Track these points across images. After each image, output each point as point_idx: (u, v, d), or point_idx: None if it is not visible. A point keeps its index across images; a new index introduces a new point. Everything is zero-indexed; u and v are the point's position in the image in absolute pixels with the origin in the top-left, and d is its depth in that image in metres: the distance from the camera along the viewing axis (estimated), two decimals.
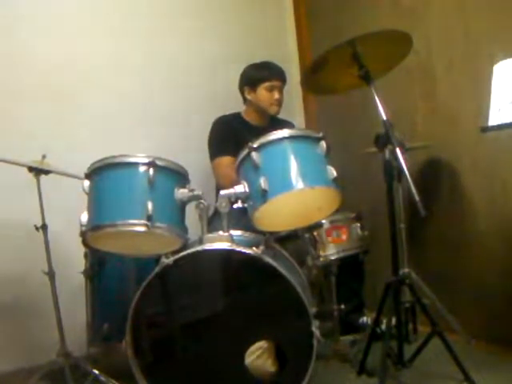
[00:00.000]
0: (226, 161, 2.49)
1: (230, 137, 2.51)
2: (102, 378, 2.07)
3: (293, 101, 3.22)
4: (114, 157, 1.82)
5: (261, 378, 1.82)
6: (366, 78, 1.88)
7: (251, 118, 2.68)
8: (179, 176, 1.90)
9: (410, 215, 2.32)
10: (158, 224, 1.76)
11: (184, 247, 1.87)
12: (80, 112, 2.70)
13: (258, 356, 1.81)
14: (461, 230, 2.43)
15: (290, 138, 1.82)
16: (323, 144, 1.82)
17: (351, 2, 2.99)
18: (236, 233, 1.98)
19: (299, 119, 3.34)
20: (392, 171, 1.91)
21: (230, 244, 1.85)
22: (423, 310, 1.99)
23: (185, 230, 1.89)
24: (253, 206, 1.79)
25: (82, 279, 2.23)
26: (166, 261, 1.80)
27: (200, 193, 1.88)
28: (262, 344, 1.82)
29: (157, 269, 1.81)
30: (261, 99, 2.60)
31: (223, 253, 1.86)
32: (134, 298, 1.82)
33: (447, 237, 2.50)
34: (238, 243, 1.88)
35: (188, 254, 1.81)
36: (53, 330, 2.11)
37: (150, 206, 1.74)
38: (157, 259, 1.86)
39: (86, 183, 1.85)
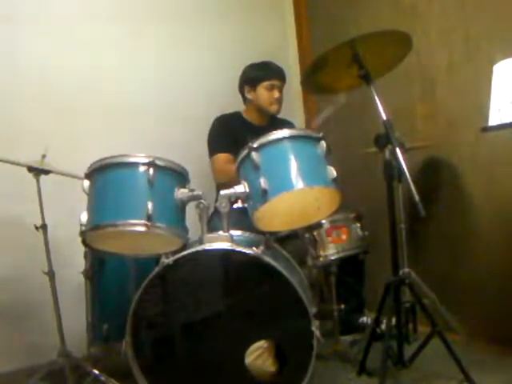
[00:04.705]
0: (223, 157, 2.51)
1: (229, 135, 2.52)
2: (102, 378, 2.07)
3: (293, 101, 3.22)
4: (113, 157, 1.82)
5: (261, 377, 1.82)
6: (366, 78, 1.87)
7: (251, 118, 2.68)
8: (179, 176, 1.90)
9: (410, 215, 2.32)
10: (158, 224, 1.76)
11: (184, 247, 1.87)
12: (80, 112, 2.69)
13: (258, 356, 1.81)
14: (461, 229, 2.43)
15: (290, 137, 1.82)
16: (323, 144, 1.82)
17: (351, 2, 2.99)
18: (236, 233, 1.98)
19: (299, 119, 3.34)
20: (392, 171, 1.91)
21: (230, 244, 1.85)
22: (423, 310, 1.99)
23: (185, 229, 1.89)
24: (253, 206, 1.79)
25: (81, 279, 2.23)
26: (166, 261, 1.80)
27: (200, 193, 1.87)
28: (261, 344, 1.82)
29: (157, 269, 1.81)
30: (261, 98, 2.61)
31: (223, 253, 1.85)
32: (133, 297, 1.82)
33: (447, 237, 2.50)
34: (238, 243, 1.87)
35: (188, 254, 1.81)
36: (53, 329, 2.11)
37: (149, 205, 1.74)
38: (157, 259, 1.86)
39: (86, 183, 1.85)
